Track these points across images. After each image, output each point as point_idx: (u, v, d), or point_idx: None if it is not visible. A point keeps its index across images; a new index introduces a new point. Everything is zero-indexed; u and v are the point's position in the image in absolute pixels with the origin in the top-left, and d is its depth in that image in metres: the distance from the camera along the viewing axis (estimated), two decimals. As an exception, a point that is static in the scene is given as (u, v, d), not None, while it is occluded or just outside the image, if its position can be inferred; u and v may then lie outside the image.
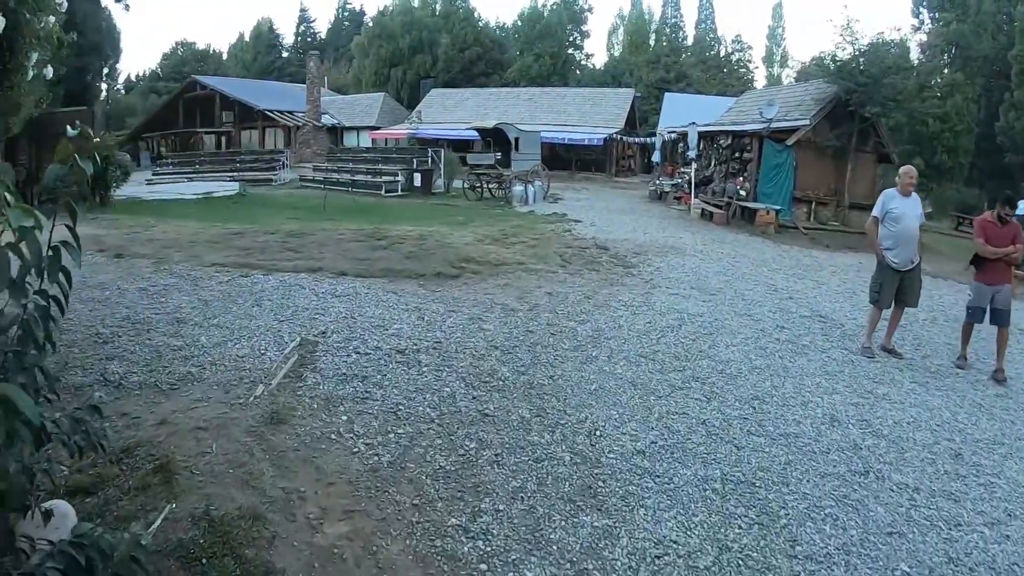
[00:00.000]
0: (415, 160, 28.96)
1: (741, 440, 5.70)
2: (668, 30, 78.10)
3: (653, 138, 40.32)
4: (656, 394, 6.49)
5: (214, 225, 14.90)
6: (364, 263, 10.85)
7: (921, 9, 47.63)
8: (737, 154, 24.37)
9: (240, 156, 38.59)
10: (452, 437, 5.25)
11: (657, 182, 29.06)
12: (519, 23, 68.81)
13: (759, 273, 13.41)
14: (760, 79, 77.91)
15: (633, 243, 15.39)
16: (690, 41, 78.13)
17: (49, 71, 6.66)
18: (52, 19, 6.04)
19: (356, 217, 17.85)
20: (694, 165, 25.14)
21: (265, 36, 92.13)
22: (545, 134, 35.19)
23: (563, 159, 41.45)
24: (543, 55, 61.41)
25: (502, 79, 59.73)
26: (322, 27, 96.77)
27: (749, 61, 79.67)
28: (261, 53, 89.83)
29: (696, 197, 23.59)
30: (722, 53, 78.56)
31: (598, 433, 5.57)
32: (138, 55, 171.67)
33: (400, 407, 5.64)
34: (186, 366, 6.09)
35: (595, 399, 6.24)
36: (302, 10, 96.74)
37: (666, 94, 47.40)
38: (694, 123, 25.36)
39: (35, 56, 6.05)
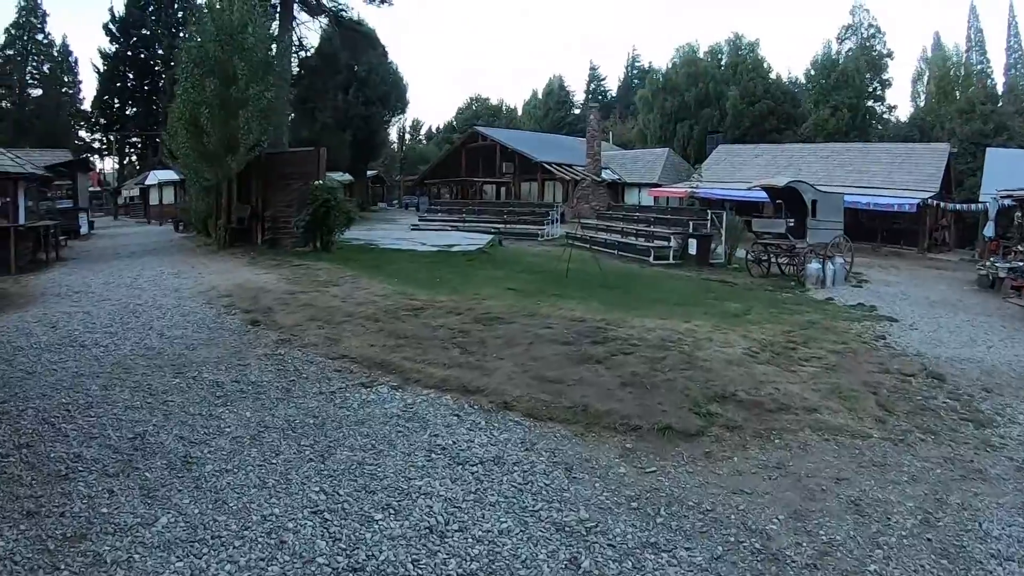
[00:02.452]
0: (691, 223, 24.69)
1: None
2: (975, 78, 68.25)
3: (975, 205, 33.80)
4: None
5: (406, 291, 12.96)
6: (552, 388, 7.55)
7: None
8: None
9: (510, 207, 37.66)
10: None
11: (988, 264, 23.18)
12: (811, 71, 62.62)
13: None
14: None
15: (977, 368, 11.03)
16: (1000, 89, 67.27)
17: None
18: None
19: (596, 294, 14.56)
20: None
21: (556, 92, 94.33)
22: (847, 197, 30.62)
23: (866, 228, 34.99)
24: (840, 107, 55.11)
25: (795, 135, 54.21)
26: (612, 84, 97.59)
27: (1081, 109, 67.16)
28: (552, 109, 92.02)
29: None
30: (1041, 102, 67.15)
31: None
32: (441, 109, 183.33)
33: None
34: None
35: None
36: (592, 68, 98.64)
37: (988, 150, 39.69)
38: None
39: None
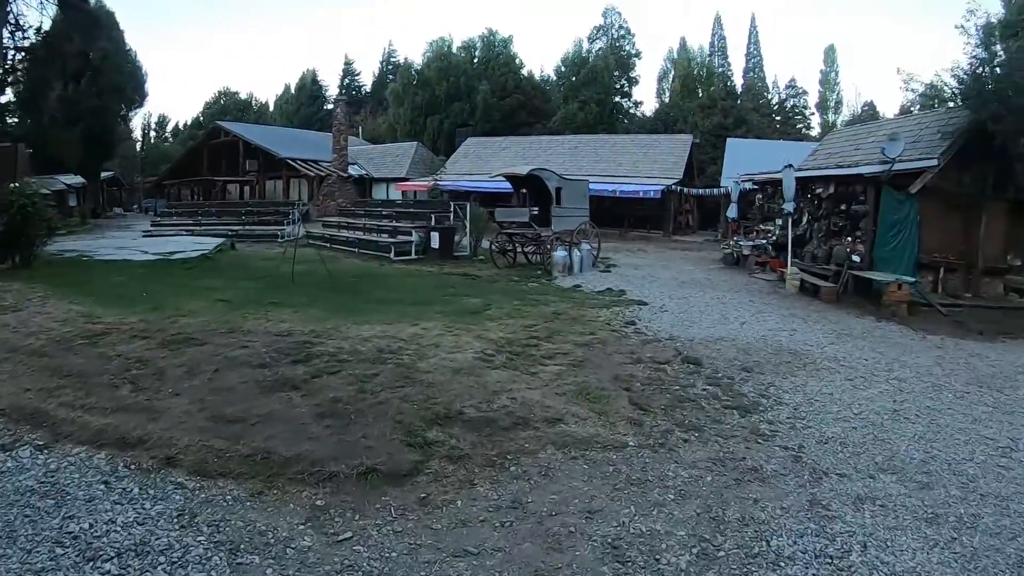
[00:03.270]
0: (433, 216, 23.15)
1: None
2: (716, 78, 72.91)
3: (717, 189, 35.08)
4: None
5: (93, 313, 10.70)
6: (231, 430, 5.78)
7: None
8: (843, 206, 18.82)
9: (249, 207, 34.52)
10: None
11: (732, 243, 23.51)
12: (562, 68, 64.11)
13: (953, 408, 8.06)
14: (815, 126, 72.53)
15: (733, 347, 10.17)
16: (739, 89, 72.27)
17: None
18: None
19: (322, 299, 12.72)
20: (790, 221, 19.22)
21: (309, 87, 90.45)
22: (593, 185, 30.24)
23: (613, 215, 35.58)
24: (589, 102, 56.60)
25: (545, 128, 55.01)
26: (367, 79, 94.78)
27: (805, 107, 74.47)
28: (304, 104, 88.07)
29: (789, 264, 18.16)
30: (775, 100, 73.25)
31: None
32: (189, 104, 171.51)
33: None
34: None
35: None
36: (347, 62, 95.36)
37: (729, 140, 42.59)
38: (791, 165, 19.21)
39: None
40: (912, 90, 18.88)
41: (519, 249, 20.37)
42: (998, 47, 17.22)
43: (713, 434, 6.34)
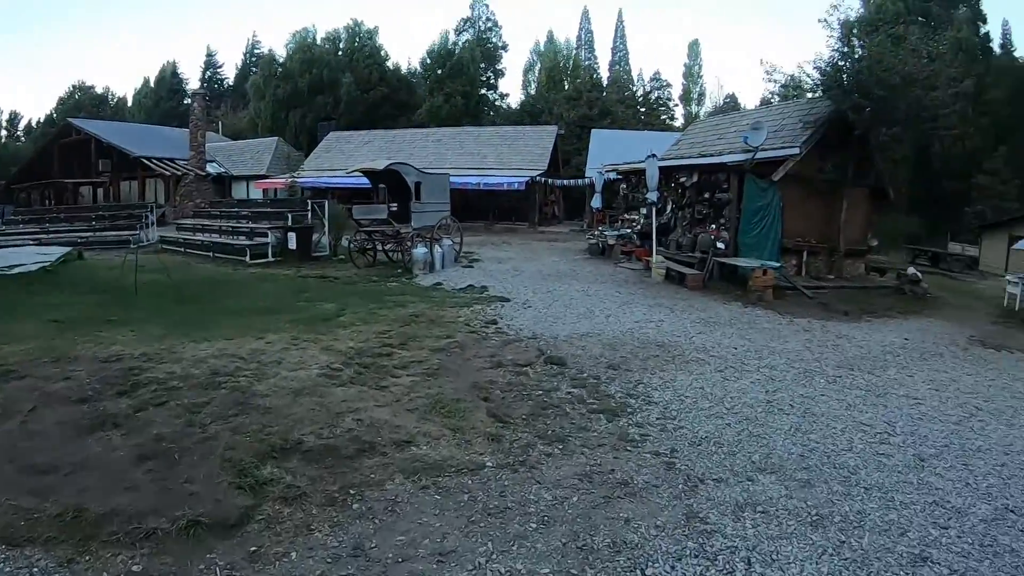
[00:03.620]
0: (290, 215, 22.09)
1: None
2: (582, 70, 73.91)
3: (581, 180, 35.23)
4: None
5: None
6: (43, 482, 5.05)
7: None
8: (706, 195, 19.03)
9: (100, 211, 32.24)
10: None
11: (597, 233, 23.52)
12: (428, 60, 63.02)
13: (826, 395, 8.08)
14: (679, 118, 74.53)
15: (599, 342, 9.98)
16: (605, 82, 73.49)
17: None
18: None
19: (165, 312, 11.72)
20: (654, 211, 19.35)
21: (168, 80, 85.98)
22: (456, 179, 29.68)
23: (479, 208, 35.64)
24: (454, 94, 56.11)
25: (410, 121, 54.17)
26: (230, 71, 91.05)
27: (669, 99, 76.48)
28: (164, 98, 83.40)
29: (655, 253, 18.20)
30: (640, 92, 74.99)
31: None
32: (42, 99, 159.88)
33: None
34: None
35: None
36: (208, 54, 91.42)
37: (593, 131, 43.17)
38: (654, 155, 19.46)
39: None
40: (775, 80, 19.36)
41: (379, 247, 19.69)
42: (857, 43, 17.86)
43: (579, 444, 6.09)
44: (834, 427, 6.84)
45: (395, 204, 19.10)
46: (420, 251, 17.52)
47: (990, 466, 6.07)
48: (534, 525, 4.65)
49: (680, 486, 5.30)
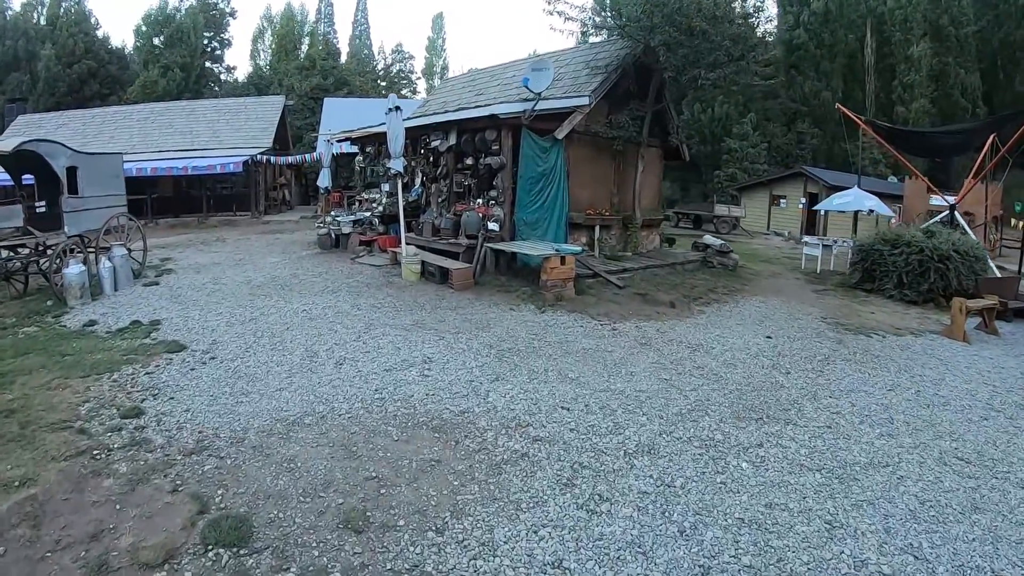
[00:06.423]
0: None
1: None
2: (321, 42, 67.08)
3: (309, 157, 28.84)
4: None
5: None
6: None
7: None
8: (468, 160, 14.38)
9: None
10: None
11: (329, 219, 18.11)
12: (143, 27, 54.02)
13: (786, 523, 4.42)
14: (421, 91, 71.06)
15: (324, 440, 5.49)
16: (344, 58, 67.77)
17: None
18: None
19: None
20: (400, 184, 14.13)
21: None
22: (160, 163, 23.43)
23: (191, 198, 29.27)
24: (172, 67, 48.39)
25: (121, 100, 45.83)
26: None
27: (411, 72, 73.09)
28: None
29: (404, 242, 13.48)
30: (380, 66, 70.68)
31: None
32: None
33: None
34: None
35: None
36: None
37: (326, 99, 38.53)
38: (398, 108, 13.46)
39: None
40: (559, 13, 14.60)
41: (33, 268, 12.48)
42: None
43: None
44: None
45: (43, 203, 12.99)
46: (75, 271, 11.31)
47: None
48: None
49: None
